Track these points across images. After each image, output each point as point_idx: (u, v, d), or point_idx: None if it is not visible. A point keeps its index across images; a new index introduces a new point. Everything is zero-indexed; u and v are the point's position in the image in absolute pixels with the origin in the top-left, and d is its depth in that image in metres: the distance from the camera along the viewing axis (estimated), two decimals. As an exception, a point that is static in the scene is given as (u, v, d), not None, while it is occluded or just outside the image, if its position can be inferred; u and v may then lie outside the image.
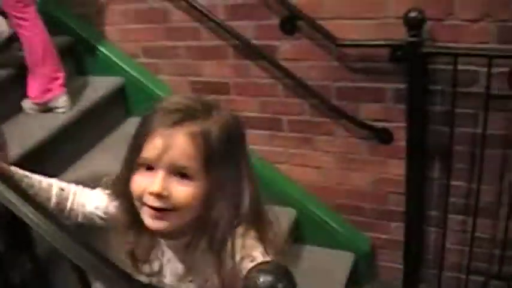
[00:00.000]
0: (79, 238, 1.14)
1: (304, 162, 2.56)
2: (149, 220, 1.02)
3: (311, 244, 2.63)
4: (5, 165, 1.23)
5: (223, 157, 1.01)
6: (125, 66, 2.66)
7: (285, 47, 2.33)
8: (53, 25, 2.53)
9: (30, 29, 2.33)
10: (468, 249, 2.34)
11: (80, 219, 1.30)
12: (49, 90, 2.41)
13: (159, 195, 0.98)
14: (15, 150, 2.12)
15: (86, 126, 2.51)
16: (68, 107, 2.45)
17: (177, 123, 0.98)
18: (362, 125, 2.34)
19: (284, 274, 0.88)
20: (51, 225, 1.14)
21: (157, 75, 2.68)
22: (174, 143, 0.98)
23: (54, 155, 2.31)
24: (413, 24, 1.99)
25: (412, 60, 2.05)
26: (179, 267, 1.13)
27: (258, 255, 1.00)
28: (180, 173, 0.99)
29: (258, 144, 2.61)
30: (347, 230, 2.61)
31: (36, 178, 1.27)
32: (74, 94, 2.54)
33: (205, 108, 1.03)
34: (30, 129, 2.33)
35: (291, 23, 2.26)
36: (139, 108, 2.70)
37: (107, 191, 1.20)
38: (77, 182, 2.26)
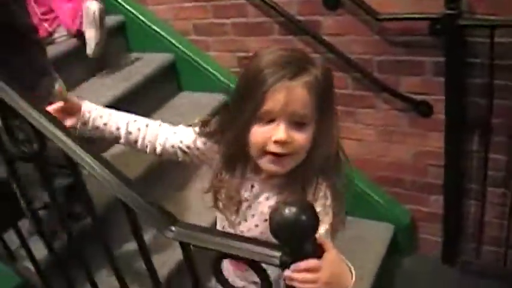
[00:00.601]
0: (131, 184, 1.28)
1: (347, 134, 2.63)
2: (269, 165, 1.15)
3: (352, 215, 2.69)
4: (74, 100, 1.37)
5: (327, 100, 1.14)
6: (176, 43, 2.81)
7: (328, 23, 2.42)
8: (107, 4, 2.71)
9: None
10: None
11: (158, 151, 1.38)
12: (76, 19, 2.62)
13: (284, 143, 1.10)
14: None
15: (139, 99, 2.66)
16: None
17: (294, 76, 1.09)
18: (403, 98, 2.40)
19: (308, 207, 0.98)
20: (106, 170, 1.30)
21: (207, 51, 2.81)
22: (294, 95, 1.08)
23: None
24: (451, -3, 2.04)
25: (449, 32, 2.10)
26: (266, 204, 1.24)
27: (326, 220, 1.15)
28: (297, 120, 1.11)
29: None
30: (387, 202, 2.68)
31: (106, 111, 1.38)
32: (127, 68, 2.72)
33: (306, 57, 1.15)
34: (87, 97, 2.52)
35: (334, -3, 2.34)
36: (190, 83, 2.85)
37: (202, 132, 1.31)
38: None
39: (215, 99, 2.77)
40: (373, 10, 2.25)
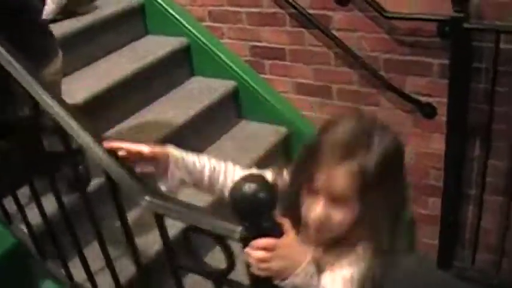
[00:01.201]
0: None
1: (351, 131, 2.65)
2: (311, 231, 1.18)
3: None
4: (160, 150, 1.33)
5: (377, 185, 1.13)
6: (191, 28, 2.85)
7: (338, 17, 2.43)
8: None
9: None
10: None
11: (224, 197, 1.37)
12: None
13: (318, 220, 1.14)
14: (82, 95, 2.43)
15: (151, 79, 2.73)
16: None
17: (339, 162, 1.11)
18: (407, 98, 2.40)
19: (267, 185, 1.02)
20: (92, 140, 1.36)
21: (221, 39, 2.86)
22: (335, 180, 1.11)
23: (122, 101, 2.60)
24: (459, 0, 2.04)
25: (455, 35, 2.10)
26: None
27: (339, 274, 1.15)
28: (337, 201, 1.13)
29: (308, 110, 2.75)
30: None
31: (190, 160, 1.36)
32: (142, 50, 2.79)
33: (366, 139, 1.12)
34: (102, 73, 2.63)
35: (345, -7, 2.36)
36: (202, 68, 2.90)
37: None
38: (139, 127, 2.52)
39: (225, 85, 2.83)
40: (381, 7, 2.26)
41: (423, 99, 2.39)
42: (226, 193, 1.30)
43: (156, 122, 2.63)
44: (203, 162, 1.37)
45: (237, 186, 1.01)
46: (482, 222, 2.45)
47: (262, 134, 2.79)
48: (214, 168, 1.38)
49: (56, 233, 1.84)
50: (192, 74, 2.94)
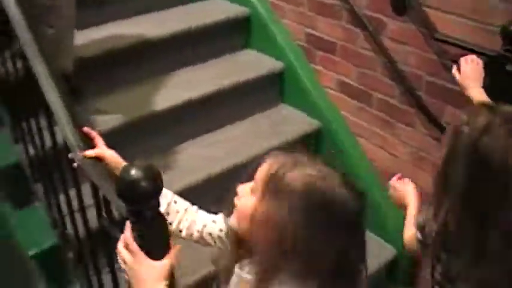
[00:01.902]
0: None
1: (383, 145, 2.54)
2: None
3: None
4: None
5: None
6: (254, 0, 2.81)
7: (393, 26, 2.29)
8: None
9: None
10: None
11: (195, 237, 1.34)
12: None
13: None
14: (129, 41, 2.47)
15: (204, 42, 2.75)
16: None
17: None
18: (441, 128, 2.25)
19: (153, 174, 1.02)
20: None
21: (282, 18, 2.80)
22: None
23: (171, 53, 2.67)
24: (509, 37, 1.84)
25: (498, 75, 1.91)
26: None
27: None
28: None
29: (345, 111, 2.65)
30: (400, 226, 2.56)
31: None
32: (202, 10, 2.81)
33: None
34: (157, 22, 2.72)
35: (403, 2, 2.20)
36: (257, 42, 2.87)
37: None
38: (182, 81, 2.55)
39: (274, 65, 2.79)
40: (432, 27, 2.10)
41: (457, 134, 2.21)
42: (187, 233, 1.35)
43: (198, 81, 2.65)
44: (163, 193, 1.16)
45: (125, 169, 1.02)
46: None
47: (296, 122, 2.75)
48: (175, 201, 1.35)
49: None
50: (245, 46, 2.92)
